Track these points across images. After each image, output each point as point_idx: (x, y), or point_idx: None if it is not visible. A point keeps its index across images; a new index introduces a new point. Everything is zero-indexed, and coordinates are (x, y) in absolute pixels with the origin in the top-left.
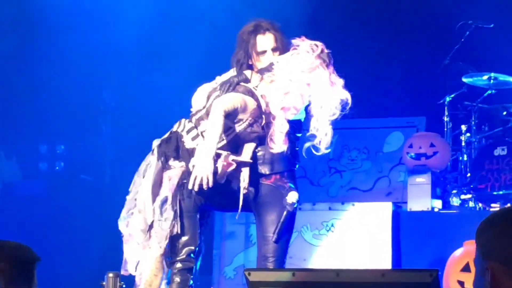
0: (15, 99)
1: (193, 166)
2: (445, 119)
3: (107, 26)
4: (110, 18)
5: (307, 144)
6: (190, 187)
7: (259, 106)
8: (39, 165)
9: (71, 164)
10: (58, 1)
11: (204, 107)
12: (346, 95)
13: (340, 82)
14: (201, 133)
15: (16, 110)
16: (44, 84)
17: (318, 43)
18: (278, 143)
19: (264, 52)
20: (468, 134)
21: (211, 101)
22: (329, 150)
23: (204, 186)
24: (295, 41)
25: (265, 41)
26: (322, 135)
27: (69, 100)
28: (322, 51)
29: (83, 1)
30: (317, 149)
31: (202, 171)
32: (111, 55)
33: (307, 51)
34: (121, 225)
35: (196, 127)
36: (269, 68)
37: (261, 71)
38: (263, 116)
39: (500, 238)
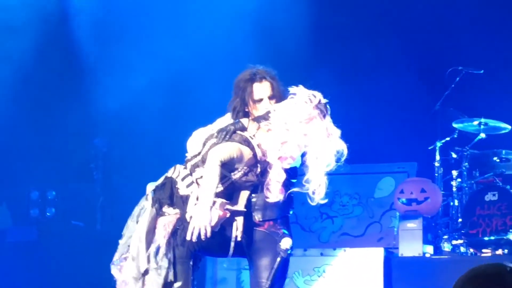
0: (4, 145)
1: (191, 216)
2: (436, 164)
3: (99, 75)
4: (102, 72)
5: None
6: (188, 238)
7: (254, 155)
8: (31, 211)
9: (62, 210)
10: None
11: (199, 153)
12: (342, 146)
13: (337, 132)
14: (196, 180)
15: (7, 157)
16: (35, 129)
17: (316, 93)
18: (274, 193)
19: (260, 100)
20: (459, 180)
21: (207, 148)
22: (325, 200)
23: (202, 237)
24: (292, 89)
25: (262, 89)
26: (316, 186)
27: (61, 146)
28: (319, 102)
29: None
30: (312, 199)
31: (200, 222)
32: (103, 101)
33: (305, 101)
34: (114, 270)
35: (191, 173)
36: (266, 117)
37: (258, 119)
38: (259, 164)
39: None
